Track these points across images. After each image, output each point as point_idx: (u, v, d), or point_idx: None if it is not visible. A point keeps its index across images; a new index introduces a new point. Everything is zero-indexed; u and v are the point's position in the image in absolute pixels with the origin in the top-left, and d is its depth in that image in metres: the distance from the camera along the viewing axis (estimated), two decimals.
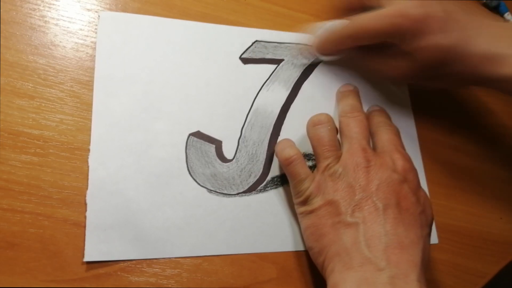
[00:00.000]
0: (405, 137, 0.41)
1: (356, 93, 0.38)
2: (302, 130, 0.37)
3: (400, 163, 0.32)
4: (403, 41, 0.34)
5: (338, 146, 0.34)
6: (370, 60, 0.39)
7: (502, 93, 0.38)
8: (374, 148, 0.35)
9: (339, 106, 0.38)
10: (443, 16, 0.33)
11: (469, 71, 0.35)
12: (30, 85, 0.32)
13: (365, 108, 0.39)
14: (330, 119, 0.34)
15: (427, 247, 0.30)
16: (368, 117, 0.37)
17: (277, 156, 0.35)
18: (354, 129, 0.34)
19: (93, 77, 0.34)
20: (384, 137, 0.35)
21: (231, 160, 0.35)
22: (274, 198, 0.35)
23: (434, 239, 0.38)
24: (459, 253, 0.39)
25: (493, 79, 0.34)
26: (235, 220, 0.33)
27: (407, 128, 0.42)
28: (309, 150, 0.37)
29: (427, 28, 0.33)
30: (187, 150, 0.34)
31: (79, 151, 0.32)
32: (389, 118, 0.38)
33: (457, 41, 0.33)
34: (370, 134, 0.35)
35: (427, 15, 0.33)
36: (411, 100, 0.43)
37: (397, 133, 0.36)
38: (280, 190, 0.35)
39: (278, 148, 0.35)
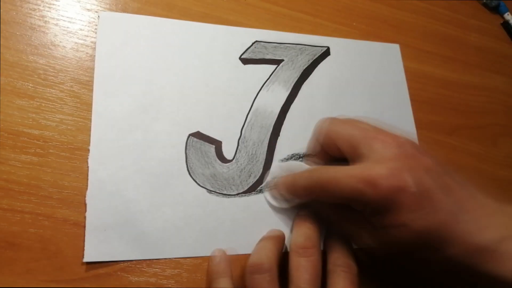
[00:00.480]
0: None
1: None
2: (302, 130, 0.38)
3: None
4: (368, 211, 0.29)
5: None
6: (334, 220, 0.33)
7: None
8: None
9: (293, 230, 0.33)
10: (416, 192, 0.27)
11: (448, 261, 0.28)
12: (30, 85, 0.32)
13: (359, 111, 0.39)
14: (272, 265, 0.29)
15: None
16: (325, 242, 0.33)
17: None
18: (304, 275, 0.29)
19: (93, 77, 0.34)
20: (339, 285, 0.30)
21: (231, 161, 0.35)
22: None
23: None
24: None
25: (484, 275, 0.27)
26: (235, 221, 0.33)
27: (407, 128, 0.42)
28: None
29: (396, 204, 0.27)
30: (187, 151, 0.34)
31: (79, 151, 0.32)
32: (350, 252, 0.32)
33: (432, 224, 0.28)
34: (327, 273, 0.31)
35: (396, 188, 0.27)
36: (410, 100, 0.43)
37: (354, 280, 0.30)
38: None
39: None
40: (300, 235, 0.32)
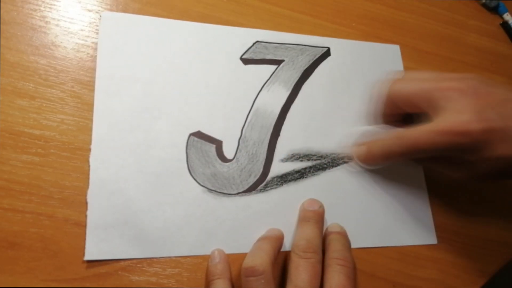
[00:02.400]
0: None
1: (320, 217, 0.34)
2: (302, 130, 0.38)
3: None
4: (461, 154, 0.32)
5: None
6: (422, 163, 0.38)
7: None
8: None
9: (295, 232, 0.34)
10: (502, 125, 0.31)
11: None
12: (31, 85, 0.32)
13: (359, 111, 0.39)
14: (266, 267, 0.29)
15: None
16: (324, 239, 0.34)
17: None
18: (303, 275, 0.30)
19: (94, 77, 0.34)
20: (333, 280, 0.30)
21: (231, 160, 0.35)
22: (274, 198, 0.35)
23: (433, 239, 0.38)
24: (459, 252, 0.39)
25: None
26: (235, 220, 0.33)
27: None
28: (309, 150, 0.37)
29: (488, 141, 0.31)
30: (188, 150, 0.34)
31: (80, 151, 0.32)
32: (347, 247, 0.33)
33: None
34: (323, 267, 0.32)
35: (487, 129, 0.30)
36: None
37: (350, 274, 0.31)
38: (280, 190, 0.35)
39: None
40: (302, 238, 0.32)
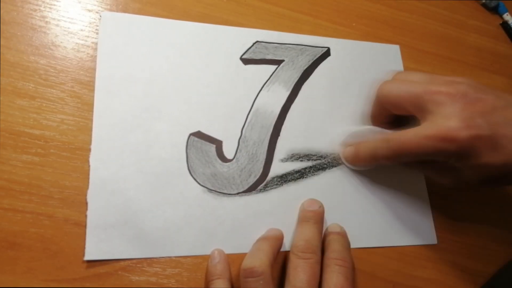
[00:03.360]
0: None
1: (319, 217, 0.34)
2: (302, 130, 0.38)
3: None
4: (448, 160, 0.32)
5: None
6: (410, 167, 0.38)
7: None
8: None
9: (295, 232, 0.34)
10: (490, 133, 0.30)
11: None
12: (31, 85, 0.32)
13: (359, 112, 0.39)
14: (265, 268, 0.29)
15: None
16: (323, 239, 0.34)
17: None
18: (301, 275, 0.30)
19: (94, 77, 0.34)
20: (332, 280, 0.30)
21: (231, 160, 0.35)
22: (274, 198, 0.35)
23: (433, 239, 0.38)
24: (459, 253, 0.39)
25: None
26: (235, 220, 0.33)
27: None
28: (309, 150, 0.37)
29: (475, 148, 0.30)
30: (188, 150, 0.34)
31: (80, 151, 0.32)
32: (347, 248, 0.33)
33: (509, 156, 0.31)
34: (322, 268, 0.32)
35: (474, 136, 0.30)
36: None
37: (349, 275, 0.31)
38: (280, 190, 0.35)
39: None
40: (301, 239, 0.32)
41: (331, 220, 0.36)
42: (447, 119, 0.30)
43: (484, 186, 0.37)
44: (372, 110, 0.38)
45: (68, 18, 0.35)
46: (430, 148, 0.31)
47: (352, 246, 0.35)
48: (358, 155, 0.36)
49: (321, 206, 0.35)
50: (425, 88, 0.32)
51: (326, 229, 0.35)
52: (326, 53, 0.42)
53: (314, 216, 0.34)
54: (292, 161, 0.37)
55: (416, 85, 0.33)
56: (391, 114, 0.36)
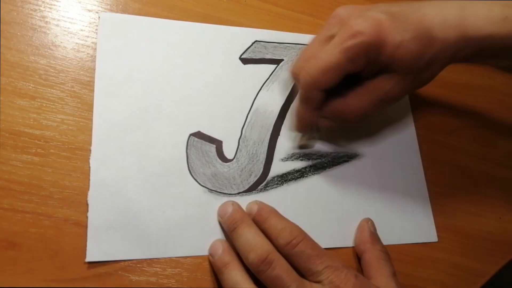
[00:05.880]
0: (404, 137, 0.41)
1: (239, 215, 0.32)
2: None
3: None
4: (368, 61, 0.31)
5: None
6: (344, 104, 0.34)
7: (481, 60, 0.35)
8: None
9: (236, 246, 0.31)
10: (386, 17, 0.31)
11: (447, 47, 0.32)
12: (31, 85, 0.32)
13: None
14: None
15: None
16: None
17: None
18: (286, 283, 0.28)
19: (93, 77, 0.34)
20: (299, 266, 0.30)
21: (231, 160, 0.35)
22: (274, 198, 0.35)
23: (433, 237, 0.38)
24: (459, 252, 0.39)
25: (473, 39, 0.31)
26: None
27: (407, 128, 0.42)
28: (309, 149, 0.37)
29: (384, 34, 0.30)
30: (188, 150, 0.34)
31: (80, 151, 0.32)
32: (281, 218, 0.32)
33: (418, 27, 0.31)
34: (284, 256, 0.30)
35: (377, 23, 0.30)
36: (410, 100, 0.43)
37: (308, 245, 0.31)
38: (281, 189, 0.35)
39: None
40: (247, 252, 0.30)
41: (331, 219, 0.36)
42: (343, 28, 0.31)
43: (418, 76, 0.34)
44: (302, 100, 0.34)
45: (68, 18, 0.35)
46: (349, 48, 0.30)
47: (352, 244, 0.35)
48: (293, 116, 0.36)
49: (234, 204, 0.32)
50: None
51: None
52: None
53: (235, 220, 0.31)
54: (292, 160, 0.37)
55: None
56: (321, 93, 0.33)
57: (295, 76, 0.35)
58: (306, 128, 0.36)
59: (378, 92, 0.33)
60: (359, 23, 0.30)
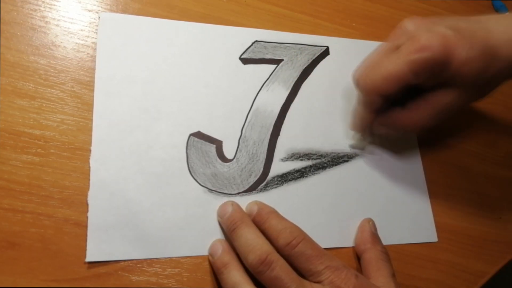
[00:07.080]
0: (404, 137, 0.41)
1: (239, 215, 0.32)
2: (302, 130, 0.38)
3: None
4: (432, 76, 0.32)
5: None
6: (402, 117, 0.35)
7: None
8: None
9: (235, 247, 0.31)
10: (454, 33, 0.31)
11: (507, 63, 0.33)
12: (31, 85, 0.32)
13: None
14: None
15: None
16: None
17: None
18: (286, 283, 0.28)
19: (93, 77, 0.34)
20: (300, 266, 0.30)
21: (231, 160, 0.35)
22: (274, 198, 0.35)
23: (433, 237, 0.38)
24: (459, 252, 0.39)
25: None
26: None
27: None
28: (309, 149, 0.37)
29: (451, 51, 0.31)
30: (188, 150, 0.34)
31: (80, 151, 0.32)
32: (282, 219, 0.32)
33: (484, 45, 0.31)
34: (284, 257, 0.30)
35: (445, 39, 0.31)
36: None
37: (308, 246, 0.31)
38: (281, 189, 0.35)
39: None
40: (247, 252, 0.30)
41: (331, 219, 0.36)
42: (410, 40, 0.32)
43: (497, 83, 0.35)
44: (364, 103, 0.36)
45: (68, 18, 0.35)
46: (414, 61, 0.31)
47: (352, 244, 0.35)
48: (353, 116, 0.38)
49: (233, 204, 0.33)
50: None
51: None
52: (325, 52, 0.42)
53: (235, 220, 0.31)
54: (292, 160, 0.37)
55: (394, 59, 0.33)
56: (381, 99, 0.34)
57: (356, 82, 0.35)
58: (361, 128, 0.38)
59: (438, 105, 0.34)
60: (427, 38, 0.31)
